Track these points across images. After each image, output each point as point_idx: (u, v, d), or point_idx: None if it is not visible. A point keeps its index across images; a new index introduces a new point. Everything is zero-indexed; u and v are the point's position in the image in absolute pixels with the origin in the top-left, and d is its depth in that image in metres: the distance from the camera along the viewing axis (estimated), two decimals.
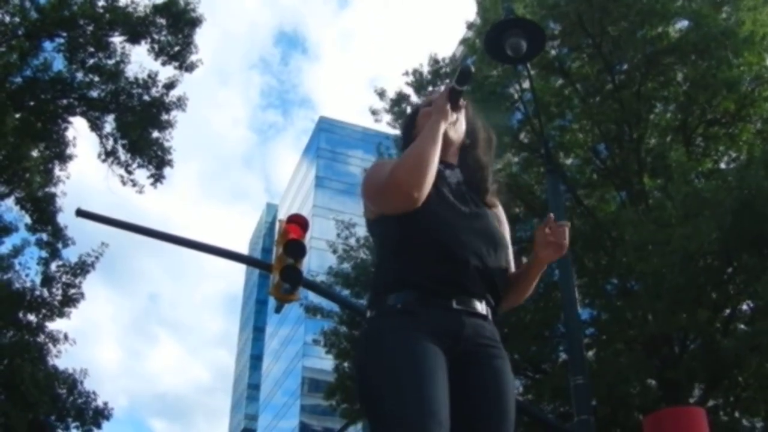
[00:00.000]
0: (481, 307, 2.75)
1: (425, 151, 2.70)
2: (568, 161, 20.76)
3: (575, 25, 18.51)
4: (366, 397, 2.61)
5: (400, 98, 22.26)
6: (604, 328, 18.73)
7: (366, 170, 2.99)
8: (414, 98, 22.15)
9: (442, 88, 3.00)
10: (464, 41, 23.38)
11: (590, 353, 17.89)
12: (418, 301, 2.66)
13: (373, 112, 22.71)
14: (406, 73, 22.08)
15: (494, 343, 2.77)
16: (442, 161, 2.82)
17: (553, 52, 19.51)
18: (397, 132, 23.18)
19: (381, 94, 22.46)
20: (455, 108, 2.88)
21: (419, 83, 21.86)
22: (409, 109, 22.27)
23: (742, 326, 17.19)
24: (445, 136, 2.84)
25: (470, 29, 22.92)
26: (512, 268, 3.06)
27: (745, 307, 17.47)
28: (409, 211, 2.69)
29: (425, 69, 21.98)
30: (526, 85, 16.62)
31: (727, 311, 17.30)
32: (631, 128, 18.89)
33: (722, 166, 19.46)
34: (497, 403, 2.66)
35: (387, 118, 22.61)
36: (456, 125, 2.98)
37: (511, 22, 9.56)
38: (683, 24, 19.41)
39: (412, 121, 3.18)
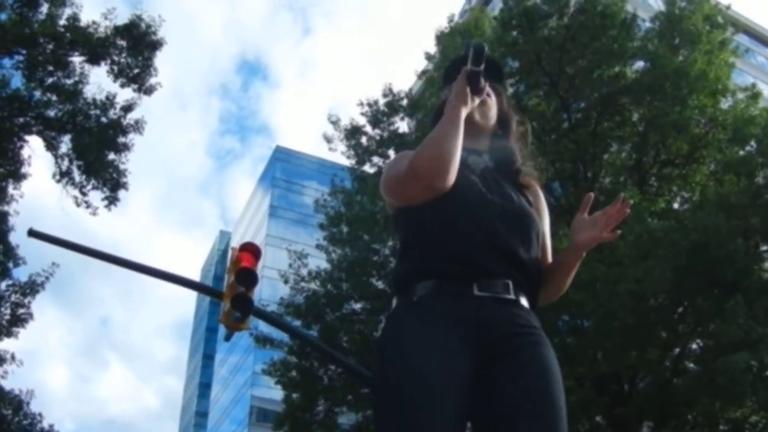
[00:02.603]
0: (509, 292, 2.51)
1: (445, 137, 2.54)
2: None
3: (533, 63, 18.73)
4: (375, 400, 2.41)
5: (354, 129, 22.31)
6: None
7: (384, 167, 2.77)
8: (369, 129, 22.25)
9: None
10: (422, 74, 23.53)
11: None
12: (435, 291, 2.47)
13: (328, 140, 22.76)
14: (361, 104, 22.17)
15: (531, 329, 2.53)
16: (465, 147, 2.65)
17: (511, 89, 19.69)
18: (351, 163, 23.24)
19: (335, 123, 22.52)
20: (475, 91, 2.69)
21: (374, 115, 21.96)
22: (364, 140, 22.36)
23: (692, 365, 17.34)
24: (471, 120, 2.74)
25: (430, 61, 23.12)
26: (549, 255, 2.87)
27: (694, 345, 17.61)
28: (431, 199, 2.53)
29: (381, 101, 22.08)
30: None
31: (677, 350, 17.43)
32: (585, 167, 19.07)
33: (675, 206, 19.70)
34: (542, 395, 2.37)
35: (341, 147, 22.68)
36: (484, 109, 2.86)
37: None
38: (640, 64, 19.71)
39: (439, 115, 2.87)
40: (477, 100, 2.74)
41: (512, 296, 2.51)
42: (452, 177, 2.53)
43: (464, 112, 2.64)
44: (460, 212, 2.56)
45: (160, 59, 21.03)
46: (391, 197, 2.73)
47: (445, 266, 2.50)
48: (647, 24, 21.21)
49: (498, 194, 2.69)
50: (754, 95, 19.58)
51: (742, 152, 17.90)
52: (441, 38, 21.59)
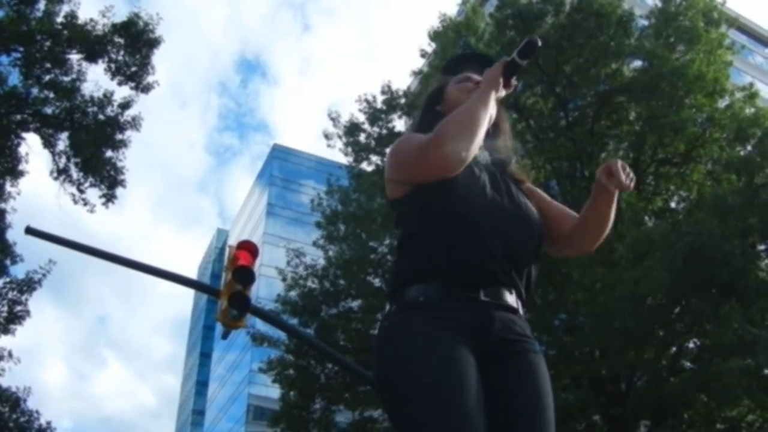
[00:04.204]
0: (511, 299, 2.54)
1: (477, 113, 2.52)
2: None
3: (530, 61, 18.70)
4: (391, 404, 2.39)
5: (354, 126, 22.34)
6: (551, 364, 18.73)
7: (392, 145, 2.71)
8: (367, 127, 22.28)
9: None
10: (418, 73, 23.54)
11: None
12: (444, 294, 2.45)
13: (326, 136, 22.80)
14: (360, 100, 22.20)
15: (525, 338, 2.56)
16: None
17: None
18: (348, 161, 23.26)
19: (335, 119, 22.55)
20: (507, 84, 2.72)
21: (372, 112, 21.97)
22: (362, 137, 22.39)
23: (688, 364, 17.33)
24: None
25: (424, 57, 23.17)
26: (567, 213, 2.92)
27: (691, 345, 17.61)
28: (447, 176, 2.49)
29: (379, 98, 22.12)
30: None
31: (674, 349, 17.43)
32: (583, 165, 19.06)
33: (672, 205, 19.71)
34: (534, 401, 2.45)
35: (339, 144, 22.72)
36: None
37: (467, 56, 9.61)
38: (638, 63, 19.70)
39: (440, 95, 2.98)
40: (503, 92, 2.74)
41: (514, 304, 2.56)
42: (473, 153, 2.52)
43: (493, 98, 2.66)
44: (471, 212, 2.54)
45: (159, 57, 21.07)
46: (403, 170, 2.63)
47: (457, 270, 2.49)
48: (644, 22, 21.18)
49: (507, 196, 2.69)
50: (752, 95, 19.60)
51: (742, 152, 17.88)
52: (435, 36, 21.64)
